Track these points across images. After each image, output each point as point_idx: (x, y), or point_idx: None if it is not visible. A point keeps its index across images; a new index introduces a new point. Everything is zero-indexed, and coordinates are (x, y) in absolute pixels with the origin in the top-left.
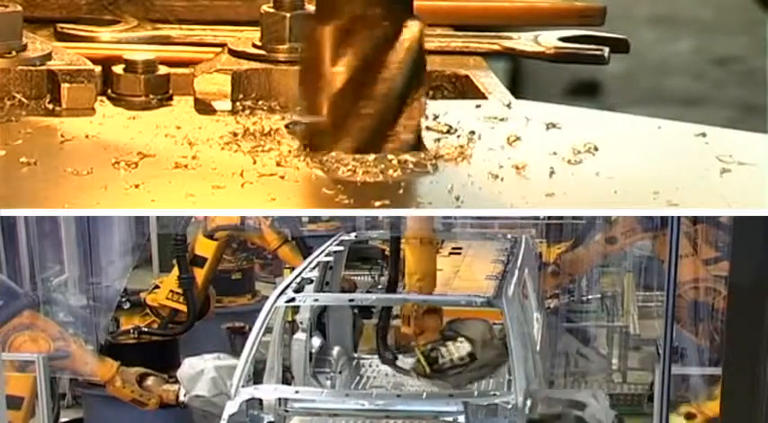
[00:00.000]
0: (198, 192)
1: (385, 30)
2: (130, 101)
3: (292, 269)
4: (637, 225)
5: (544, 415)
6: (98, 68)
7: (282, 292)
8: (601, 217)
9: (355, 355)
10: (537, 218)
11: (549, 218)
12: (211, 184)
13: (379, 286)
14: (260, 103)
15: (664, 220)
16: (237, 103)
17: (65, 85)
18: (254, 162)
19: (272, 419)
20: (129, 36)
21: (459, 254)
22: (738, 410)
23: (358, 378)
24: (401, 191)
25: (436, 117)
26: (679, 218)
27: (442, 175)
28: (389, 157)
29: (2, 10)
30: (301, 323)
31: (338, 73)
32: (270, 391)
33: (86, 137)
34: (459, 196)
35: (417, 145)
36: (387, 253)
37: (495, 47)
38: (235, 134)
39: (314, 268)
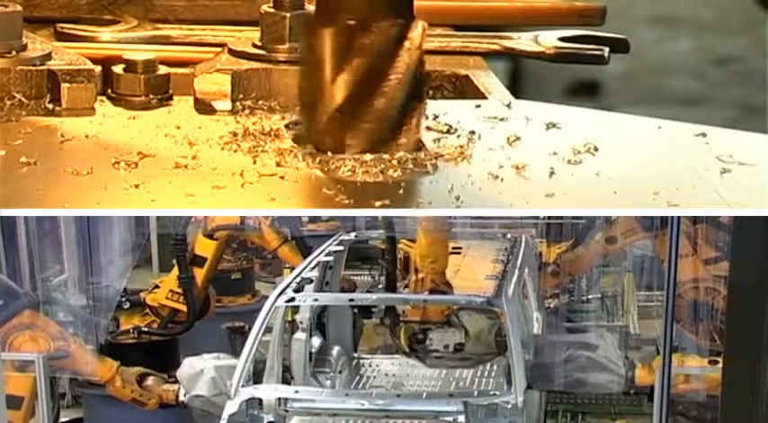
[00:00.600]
0: (198, 192)
1: (384, 29)
2: (130, 101)
3: (292, 269)
4: (637, 225)
5: (554, 358)
6: (98, 68)
7: (282, 291)
8: (601, 217)
9: (355, 355)
10: (537, 218)
11: (549, 218)
12: (211, 184)
13: (380, 286)
14: (260, 102)
15: (664, 220)
16: (237, 103)
17: (65, 85)
18: (254, 162)
19: (272, 419)
20: (129, 36)
21: (459, 254)
22: (738, 411)
23: (358, 378)
24: (401, 191)
25: (436, 117)
26: (679, 218)
27: (442, 175)
28: (389, 156)
29: (2, 10)
30: (301, 323)
31: (338, 73)
32: (269, 391)
33: (86, 137)
34: (460, 196)
35: (417, 144)
36: (386, 253)
37: (495, 47)
38: (235, 134)
39: (314, 268)
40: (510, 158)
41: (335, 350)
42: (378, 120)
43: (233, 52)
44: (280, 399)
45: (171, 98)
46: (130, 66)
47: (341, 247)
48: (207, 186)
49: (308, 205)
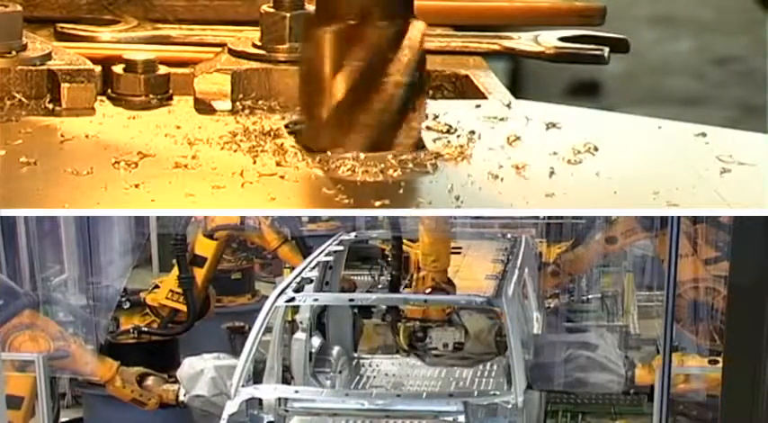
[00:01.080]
0: (198, 191)
1: (384, 29)
2: (130, 101)
3: (292, 269)
4: (637, 225)
5: (554, 358)
6: (98, 68)
7: (282, 291)
8: (601, 217)
9: (355, 355)
10: (537, 218)
11: (549, 218)
12: (211, 184)
13: (380, 286)
14: (260, 102)
15: (664, 219)
16: (237, 103)
17: (65, 85)
18: (254, 162)
19: (272, 419)
20: (129, 36)
21: (459, 253)
22: (738, 411)
23: (358, 378)
24: (401, 191)
25: (436, 117)
26: (679, 218)
27: (442, 175)
28: (389, 156)
29: (2, 10)
30: (301, 323)
31: (338, 73)
32: (269, 391)
33: (86, 137)
34: (459, 196)
35: (417, 144)
36: (386, 253)
37: (495, 47)
38: (234, 134)
39: (314, 268)
40: (510, 158)
41: (335, 350)
42: (377, 119)
43: (233, 52)
44: (280, 399)
45: (171, 98)
46: (130, 66)
47: (341, 247)
48: (207, 186)
49: (307, 205)
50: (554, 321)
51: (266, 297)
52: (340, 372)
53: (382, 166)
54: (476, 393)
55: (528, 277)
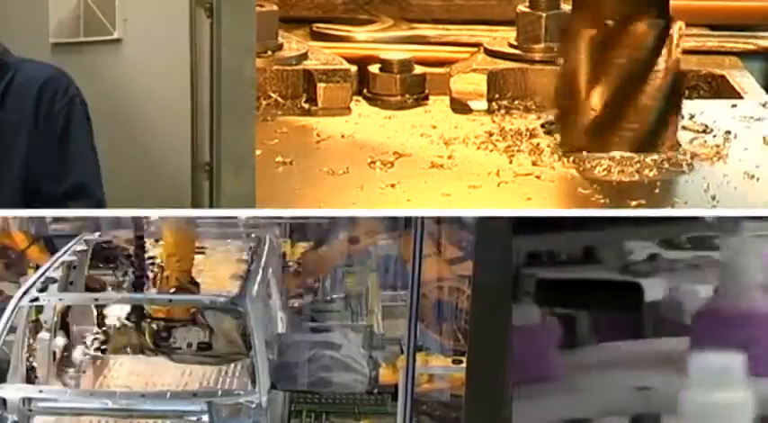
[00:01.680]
0: (454, 191)
1: (643, 30)
2: (386, 100)
3: (37, 268)
4: (380, 225)
5: (297, 358)
6: (354, 68)
7: (26, 291)
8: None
9: (100, 355)
10: (280, 217)
11: (292, 218)
12: (467, 184)
13: (124, 285)
14: (515, 102)
15: (408, 220)
16: (493, 103)
17: (321, 85)
18: (510, 162)
19: (17, 419)
20: (385, 35)
21: (204, 254)
22: (481, 411)
23: (103, 378)
24: (656, 190)
25: (692, 116)
26: (422, 219)
27: (698, 175)
28: (645, 156)
29: (258, 9)
30: (45, 322)
31: (596, 73)
32: (13, 391)
33: (342, 136)
34: (715, 196)
35: (674, 145)
36: (131, 253)
37: (751, 46)
38: (490, 134)
39: (58, 268)
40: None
41: (79, 350)
42: (637, 120)
43: (489, 52)
44: (24, 398)
45: (427, 98)
46: (386, 65)
47: (84, 247)
48: (463, 186)
49: (563, 205)
50: (298, 321)
51: (10, 297)
52: (84, 371)
53: (638, 165)
54: (220, 393)
55: (272, 277)
